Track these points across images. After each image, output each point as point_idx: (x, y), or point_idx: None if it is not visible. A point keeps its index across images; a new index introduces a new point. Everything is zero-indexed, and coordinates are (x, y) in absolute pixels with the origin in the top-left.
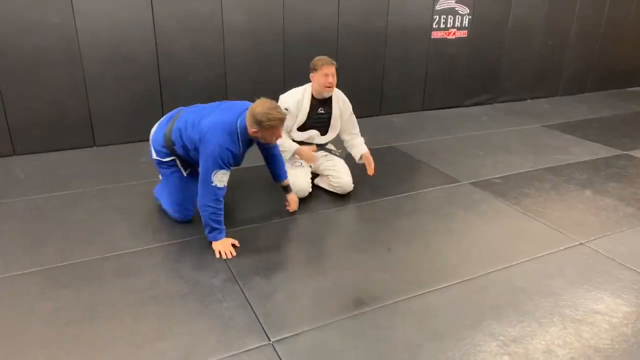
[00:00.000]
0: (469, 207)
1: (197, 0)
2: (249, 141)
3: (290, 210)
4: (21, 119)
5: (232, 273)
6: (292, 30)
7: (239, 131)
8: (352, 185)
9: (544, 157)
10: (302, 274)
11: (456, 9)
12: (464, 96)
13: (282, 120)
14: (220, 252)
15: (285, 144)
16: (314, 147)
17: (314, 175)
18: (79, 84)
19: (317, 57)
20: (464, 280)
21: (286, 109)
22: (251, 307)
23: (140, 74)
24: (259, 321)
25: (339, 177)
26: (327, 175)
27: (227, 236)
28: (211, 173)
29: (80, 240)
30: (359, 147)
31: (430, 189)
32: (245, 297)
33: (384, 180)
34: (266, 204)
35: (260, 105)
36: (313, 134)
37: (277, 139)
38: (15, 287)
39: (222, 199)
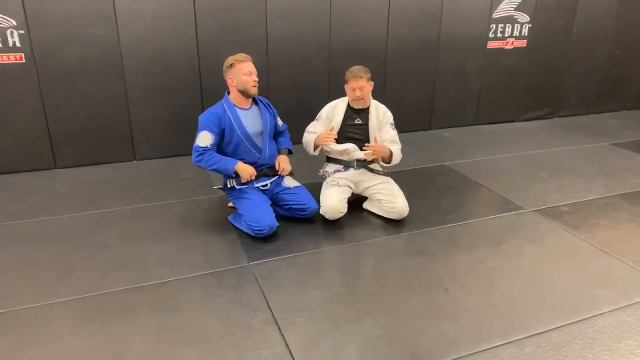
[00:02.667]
0: (536, 241)
1: (241, 11)
2: (236, 111)
3: (280, 171)
4: (62, 132)
5: (272, 312)
6: (339, 41)
7: (224, 101)
8: (408, 209)
9: (616, 181)
10: (350, 316)
11: (515, 16)
12: (521, 110)
13: (240, 56)
14: (246, 174)
15: (308, 142)
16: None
17: (362, 198)
18: (120, 96)
19: (350, 69)
20: (537, 334)
21: (319, 116)
22: (292, 357)
23: (182, 86)
24: None
25: (394, 201)
26: (379, 200)
27: (266, 266)
28: (197, 135)
29: (113, 267)
30: (391, 146)
31: (490, 216)
32: (286, 343)
33: (438, 204)
34: (310, 233)
35: None
36: (350, 148)
37: (253, 82)
38: (44, 319)
39: (204, 153)
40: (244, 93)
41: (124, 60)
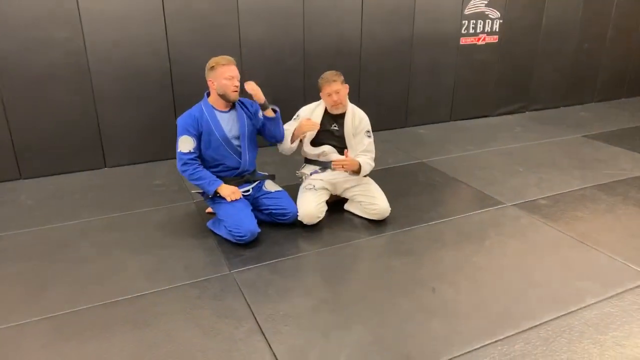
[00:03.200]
0: (517, 235)
1: (213, 13)
2: (214, 113)
3: (249, 89)
4: (27, 141)
5: (257, 322)
6: (313, 41)
7: (202, 103)
8: (390, 209)
9: (591, 172)
10: (338, 323)
11: (486, 12)
12: (495, 105)
13: (223, 59)
14: (229, 196)
15: (289, 128)
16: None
17: (343, 200)
18: (88, 102)
19: (322, 75)
20: (526, 330)
21: (297, 115)
22: None
23: (153, 91)
24: None
25: (375, 202)
26: (359, 202)
27: (248, 273)
28: (178, 140)
29: (87, 282)
30: (360, 159)
31: (471, 212)
32: (274, 355)
33: (419, 202)
34: (292, 236)
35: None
36: (326, 150)
37: (233, 87)
38: (15, 341)
39: (190, 162)
40: (224, 97)
41: (91, 65)
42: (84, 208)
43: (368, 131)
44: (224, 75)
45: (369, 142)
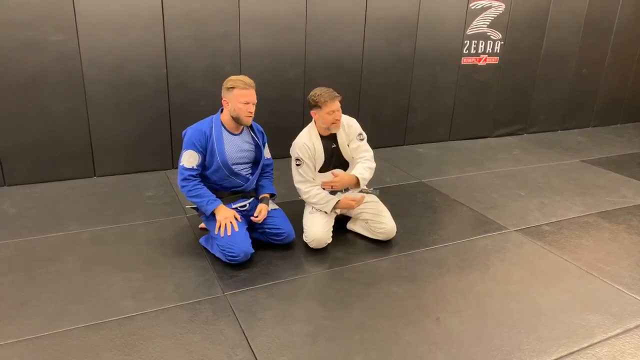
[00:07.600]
0: (522, 263)
1: (214, 21)
2: (222, 134)
3: (254, 220)
4: (13, 145)
5: (252, 350)
6: (315, 54)
7: (214, 119)
8: (396, 229)
9: (592, 199)
10: (338, 353)
11: (488, 33)
12: (493, 126)
13: (242, 82)
14: (220, 225)
15: (322, 199)
16: (357, 198)
17: (346, 218)
18: (80, 107)
19: (317, 92)
20: None
21: (297, 160)
22: None
23: (148, 99)
24: None
25: (383, 222)
26: (365, 220)
27: (243, 296)
28: (182, 153)
29: (71, 300)
30: (355, 170)
31: (474, 237)
32: None
33: (421, 224)
34: (290, 257)
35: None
36: (335, 172)
37: (247, 112)
38: None
39: (191, 178)
40: (236, 120)
41: (85, 70)
42: (70, 219)
43: (360, 134)
44: (239, 99)
45: (364, 143)
